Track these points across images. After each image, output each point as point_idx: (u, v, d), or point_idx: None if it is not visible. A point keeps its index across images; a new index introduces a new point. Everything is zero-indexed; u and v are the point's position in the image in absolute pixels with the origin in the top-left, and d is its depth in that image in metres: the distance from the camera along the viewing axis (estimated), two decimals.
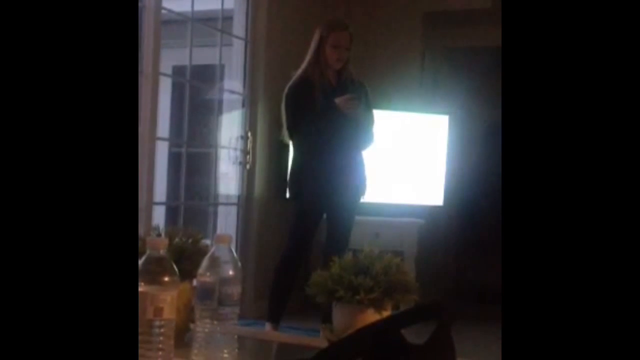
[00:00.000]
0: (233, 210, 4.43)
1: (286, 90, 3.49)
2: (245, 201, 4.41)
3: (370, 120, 3.57)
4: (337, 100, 3.36)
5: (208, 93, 4.98)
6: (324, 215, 3.56)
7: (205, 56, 4.52)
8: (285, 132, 3.50)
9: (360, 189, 3.60)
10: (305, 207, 3.48)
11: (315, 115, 3.38)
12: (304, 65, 3.47)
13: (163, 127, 5.14)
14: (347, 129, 3.43)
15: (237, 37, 4.46)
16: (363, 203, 4.43)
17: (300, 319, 3.73)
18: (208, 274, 1.26)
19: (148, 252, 1.18)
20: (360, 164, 3.58)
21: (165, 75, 4.24)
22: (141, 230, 1.43)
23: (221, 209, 4.48)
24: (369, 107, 3.57)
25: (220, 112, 4.46)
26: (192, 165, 4.43)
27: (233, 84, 4.49)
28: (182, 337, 1.35)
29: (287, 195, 3.67)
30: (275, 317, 3.48)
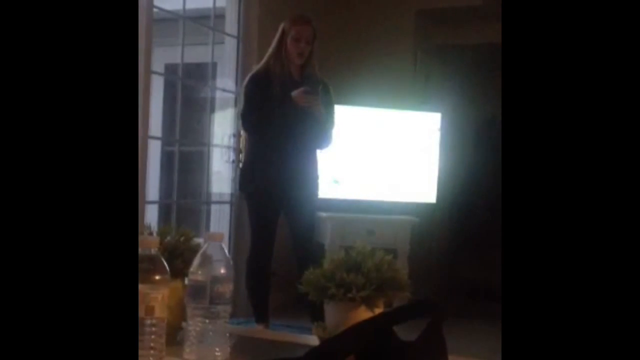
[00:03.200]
0: (226, 208, 4.43)
1: (245, 80, 3.47)
2: (238, 199, 4.40)
3: (329, 121, 3.49)
4: (293, 94, 3.31)
5: (200, 91, 4.98)
6: (282, 213, 3.50)
7: (197, 54, 4.52)
8: (240, 124, 3.47)
9: (313, 188, 3.53)
10: (259, 203, 3.44)
11: (270, 107, 3.33)
12: (265, 58, 3.46)
13: (155, 125, 5.13)
14: (302, 125, 3.36)
15: (229, 35, 4.45)
16: (358, 200, 4.43)
17: (292, 317, 3.73)
18: (200, 272, 1.26)
19: (139, 250, 1.18)
20: (313, 162, 3.51)
21: (157, 73, 4.23)
22: None
23: (214, 207, 4.48)
24: (330, 108, 3.49)
25: (212, 110, 4.46)
26: (185, 164, 4.42)
27: (225, 82, 4.48)
28: (174, 335, 1.35)
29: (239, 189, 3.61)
30: (261, 318, 3.48)
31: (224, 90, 4.47)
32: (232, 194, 4.41)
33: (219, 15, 4.45)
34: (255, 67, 3.49)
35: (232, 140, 4.37)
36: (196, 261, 1.27)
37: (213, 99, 4.49)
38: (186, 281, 1.33)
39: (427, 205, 4.85)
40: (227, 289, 1.26)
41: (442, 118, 4.85)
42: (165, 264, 1.19)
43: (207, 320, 1.25)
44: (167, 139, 5.71)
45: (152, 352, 1.16)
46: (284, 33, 3.40)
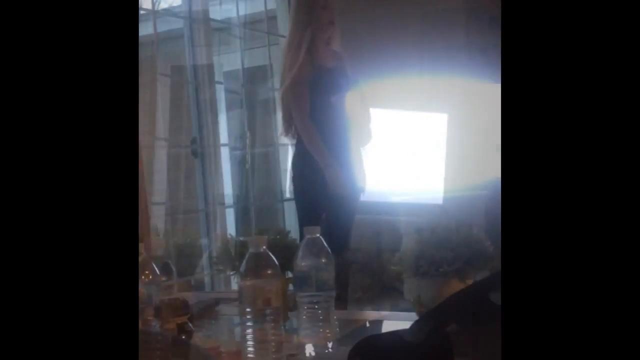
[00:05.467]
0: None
1: (282, 89, 3.49)
2: None
3: (367, 116, 3.56)
4: (332, 98, 3.36)
5: (261, 93, 5.09)
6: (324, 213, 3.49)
7: (254, 58, 4.63)
8: (282, 131, 3.58)
9: (359, 187, 3.57)
10: (306, 205, 3.49)
11: (311, 112, 3.39)
12: (297, 64, 3.42)
13: (222, 132, 5.27)
14: (344, 126, 3.42)
15: (282, 36, 4.56)
16: (363, 202, 4.44)
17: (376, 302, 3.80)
18: (303, 263, 1.39)
19: (250, 250, 1.31)
20: (359, 161, 3.55)
21: (218, 83, 4.37)
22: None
23: (287, 205, 4.60)
24: (365, 104, 3.57)
25: (274, 110, 4.57)
26: (258, 165, 4.56)
27: None
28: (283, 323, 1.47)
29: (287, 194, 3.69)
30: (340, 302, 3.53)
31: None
32: None
33: (271, 17, 4.56)
34: (290, 75, 3.55)
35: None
36: (299, 253, 1.40)
37: (274, 100, 4.60)
38: (289, 274, 1.46)
39: (434, 207, 4.78)
40: (329, 276, 1.39)
41: (449, 119, 4.78)
42: (274, 258, 1.32)
43: (316, 306, 1.37)
44: (234, 144, 5.86)
45: (273, 337, 1.28)
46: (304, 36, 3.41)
